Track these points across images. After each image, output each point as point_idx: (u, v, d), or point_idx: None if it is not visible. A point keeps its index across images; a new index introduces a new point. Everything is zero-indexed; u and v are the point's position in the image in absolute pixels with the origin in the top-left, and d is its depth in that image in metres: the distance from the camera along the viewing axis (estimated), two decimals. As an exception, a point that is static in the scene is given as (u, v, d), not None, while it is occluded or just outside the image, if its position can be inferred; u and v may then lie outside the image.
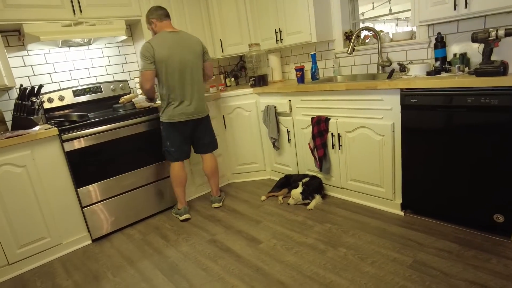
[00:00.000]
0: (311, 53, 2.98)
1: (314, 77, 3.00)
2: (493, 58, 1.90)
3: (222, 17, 3.43)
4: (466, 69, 2.13)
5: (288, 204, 2.70)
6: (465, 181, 1.95)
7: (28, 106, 2.46)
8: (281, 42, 3.17)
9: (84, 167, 2.46)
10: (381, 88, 2.18)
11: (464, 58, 2.18)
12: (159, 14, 2.47)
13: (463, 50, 2.25)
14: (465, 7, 1.95)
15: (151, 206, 2.84)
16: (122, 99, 2.87)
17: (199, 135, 2.69)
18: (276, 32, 3.17)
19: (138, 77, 3.19)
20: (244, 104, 3.19)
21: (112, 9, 2.77)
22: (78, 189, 2.45)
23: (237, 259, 2.08)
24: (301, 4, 2.87)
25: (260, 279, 1.86)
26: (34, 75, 2.75)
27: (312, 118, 2.66)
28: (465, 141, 1.89)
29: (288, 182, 2.87)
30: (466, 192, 1.96)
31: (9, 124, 2.59)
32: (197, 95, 2.57)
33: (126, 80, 3.16)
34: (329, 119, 2.56)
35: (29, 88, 2.47)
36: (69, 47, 2.89)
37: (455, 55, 2.25)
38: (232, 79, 3.84)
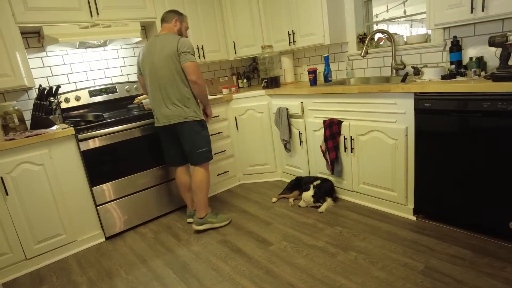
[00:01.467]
0: (324, 55, 2.98)
1: (327, 79, 3.00)
2: (511, 62, 1.87)
3: (236, 19, 3.46)
4: (483, 73, 2.09)
5: (299, 206, 2.71)
6: (479, 187, 1.92)
7: (46, 106, 2.54)
8: (294, 44, 3.18)
9: (99, 166, 2.52)
10: (395, 91, 2.16)
11: (480, 62, 2.15)
12: (161, 19, 2.45)
13: (480, 54, 2.22)
14: (482, 10, 1.92)
15: (163, 206, 2.88)
16: (136, 100, 2.92)
17: (182, 143, 2.47)
18: (289, 34, 3.18)
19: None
20: (256, 106, 3.21)
21: (128, 11, 2.82)
22: (93, 188, 2.51)
23: (248, 260, 2.10)
24: (315, 6, 2.87)
25: (270, 280, 1.88)
26: (52, 75, 2.82)
27: (325, 121, 2.66)
28: (480, 146, 1.86)
29: (299, 184, 2.87)
30: (480, 198, 1.93)
31: (28, 124, 2.66)
32: (170, 100, 2.34)
33: (140, 81, 3.21)
34: (342, 122, 2.56)
35: (47, 88, 2.54)
36: (85, 48, 2.95)
37: (471, 58, 2.21)
38: (245, 80, 3.86)
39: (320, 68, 3.25)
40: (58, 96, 2.71)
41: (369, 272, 1.83)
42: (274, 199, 2.90)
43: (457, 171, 1.99)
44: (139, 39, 2.94)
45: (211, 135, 3.14)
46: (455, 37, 2.21)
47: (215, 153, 3.19)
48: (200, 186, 2.49)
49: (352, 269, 1.88)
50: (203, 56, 3.34)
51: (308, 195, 2.64)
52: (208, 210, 2.56)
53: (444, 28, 2.37)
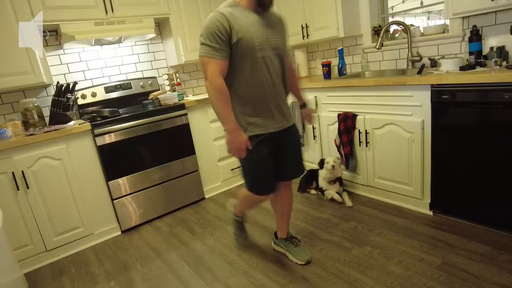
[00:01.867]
0: (338, 48, 2.94)
1: (341, 72, 2.96)
2: (534, 51, 1.80)
3: (248, 14, 3.44)
4: (504, 63, 2.02)
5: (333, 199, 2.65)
6: (500, 182, 1.86)
7: (64, 102, 2.60)
8: (307, 37, 3.14)
9: (115, 161, 2.56)
10: (411, 84, 2.11)
11: (502, 52, 2.07)
12: None
13: (501, 43, 2.14)
14: (504, -3, 1.85)
15: (178, 200, 2.92)
16: (151, 95, 2.96)
17: None
18: (302, 28, 3.14)
19: (166, 73, 3.26)
20: (270, 101, 3.19)
21: (142, 7, 2.85)
22: (109, 182, 2.56)
23: (261, 254, 2.10)
24: (328, -1, 2.82)
25: (284, 274, 1.87)
26: (69, 72, 2.89)
27: (339, 115, 2.63)
28: (501, 139, 1.80)
29: (313, 175, 2.84)
30: (501, 193, 1.87)
31: (47, 120, 2.73)
32: None
33: (155, 77, 3.25)
34: (357, 115, 2.52)
35: (64, 85, 2.60)
36: (101, 45, 3.00)
37: (491, 48, 2.14)
38: (258, 75, 3.84)
39: (335, 62, 3.21)
40: (75, 93, 2.77)
41: (384, 267, 1.80)
42: (313, 192, 2.84)
43: (476, 165, 1.93)
44: (153, 35, 2.97)
45: (225, 129, 3.15)
46: (474, 26, 2.14)
47: (229, 148, 3.19)
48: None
49: (367, 264, 1.85)
50: (216, 51, 3.33)
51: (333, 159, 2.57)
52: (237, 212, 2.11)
53: (463, 18, 2.29)
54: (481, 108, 1.83)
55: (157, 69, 3.35)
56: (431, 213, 2.25)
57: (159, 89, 3.27)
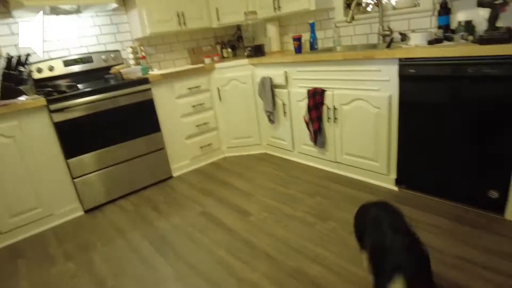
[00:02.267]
0: (310, 21, 2.84)
1: (313, 47, 2.88)
2: (499, 24, 1.77)
3: (218, -16, 3.27)
4: (471, 37, 2.00)
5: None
6: (461, 156, 1.87)
7: (16, 76, 2.41)
8: (279, 9, 3.02)
9: (74, 138, 2.43)
10: (379, 58, 2.07)
11: (469, 26, 2.04)
12: None
13: (469, 18, 2.11)
14: (472, -32, 1.80)
15: (144, 178, 2.83)
16: (113, 69, 2.80)
17: None
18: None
19: (130, 46, 3.07)
20: (240, 76, 3.09)
21: (101, -27, 2.64)
22: (68, 160, 2.43)
23: (227, 232, 2.07)
24: (300, -32, 2.70)
25: (247, 251, 1.85)
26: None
27: (308, 90, 2.57)
28: (465, 114, 1.80)
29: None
30: (461, 167, 1.89)
31: (-2, 94, 2.54)
32: None
33: (118, 50, 3.06)
34: (325, 91, 2.47)
35: (15, 57, 2.40)
36: (57, 14, 2.78)
37: (459, 23, 2.11)
38: (229, 50, 3.71)
39: (307, 37, 3.12)
40: (29, 65, 2.57)
41: (346, 242, 1.81)
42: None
43: (439, 140, 1.94)
44: (115, 5, 2.77)
45: (193, 106, 3.05)
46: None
47: (197, 125, 3.10)
48: None
49: (329, 238, 1.85)
50: (184, 23, 3.17)
51: None
52: None
53: (433, -10, 2.24)
54: (446, 82, 1.82)
55: (121, 42, 3.16)
56: (396, 188, 2.27)
57: (122, 63, 3.09)
